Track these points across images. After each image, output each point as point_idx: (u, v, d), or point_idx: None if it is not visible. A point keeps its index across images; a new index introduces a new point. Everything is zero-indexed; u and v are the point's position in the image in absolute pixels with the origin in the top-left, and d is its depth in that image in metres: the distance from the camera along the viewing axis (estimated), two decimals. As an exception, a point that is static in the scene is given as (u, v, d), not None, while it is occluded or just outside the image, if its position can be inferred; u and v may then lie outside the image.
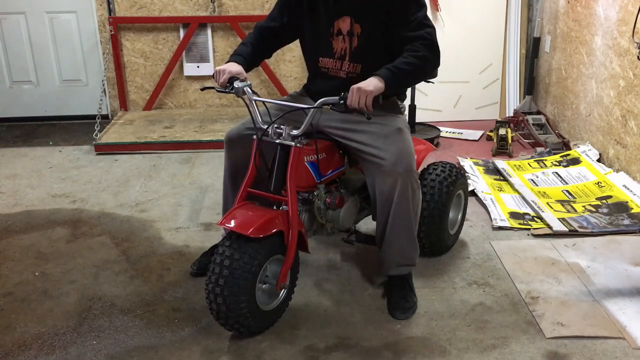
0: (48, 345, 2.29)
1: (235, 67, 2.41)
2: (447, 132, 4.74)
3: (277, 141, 2.30)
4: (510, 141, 4.30)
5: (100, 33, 5.07)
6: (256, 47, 2.55)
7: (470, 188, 3.57)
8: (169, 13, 5.06)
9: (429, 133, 4.50)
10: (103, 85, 5.08)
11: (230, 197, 2.61)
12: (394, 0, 2.34)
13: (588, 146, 4.01)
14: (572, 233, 3.06)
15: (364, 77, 2.31)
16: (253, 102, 2.34)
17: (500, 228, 3.15)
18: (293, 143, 2.27)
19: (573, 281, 2.65)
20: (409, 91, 4.44)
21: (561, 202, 3.44)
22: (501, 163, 3.99)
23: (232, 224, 2.19)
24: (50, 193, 3.72)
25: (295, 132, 2.28)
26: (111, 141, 4.47)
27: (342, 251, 2.93)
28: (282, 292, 2.37)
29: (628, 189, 3.44)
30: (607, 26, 3.81)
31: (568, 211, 3.31)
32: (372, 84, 2.18)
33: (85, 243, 3.07)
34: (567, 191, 3.60)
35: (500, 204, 3.40)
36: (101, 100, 4.92)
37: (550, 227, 3.10)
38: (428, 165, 2.85)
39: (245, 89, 2.35)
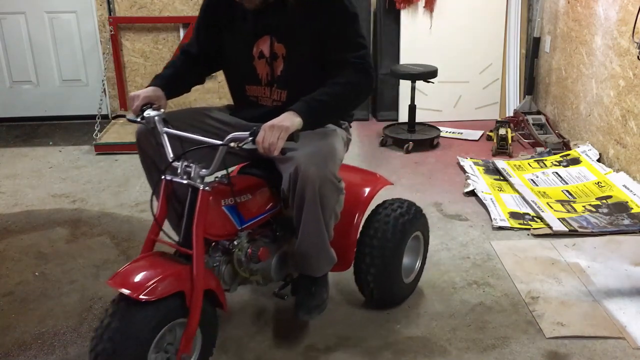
0: (48, 345, 2.29)
1: (151, 93, 2.08)
2: (447, 132, 4.74)
3: (185, 182, 1.90)
4: (510, 141, 4.29)
5: (100, 33, 5.07)
6: (181, 71, 2.25)
7: (470, 188, 3.57)
8: (169, 13, 5.06)
9: (429, 133, 4.51)
10: (103, 85, 5.08)
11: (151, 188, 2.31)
12: (319, 16, 2.04)
13: (588, 146, 4.01)
14: (572, 233, 3.06)
15: (289, 106, 1.97)
16: (164, 135, 1.97)
17: (500, 228, 3.15)
18: (201, 185, 1.88)
19: (573, 281, 2.65)
20: (408, 91, 4.47)
21: (561, 202, 3.44)
22: (501, 163, 3.99)
23: (121, 283, 1.75)
24: (50, 193, 3.72)
25: (204, 171, 1.89)
26: (111, 141, 4.47)
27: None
28: None
29: (628, 189, 3.44)
30: (607, 26, 3.81)
31: (568, 211, 3.31)
32: (288, 119, 1.86)
33: (85, 243, 3.07)
34: (567, 191, 3.60)
35: (500, 204, 3.40)
36: (101, 100, 4.92)
37: (550, 227, 3.10)
38: (384, 201, 2.47)
39: (155, 119, 1.99)
